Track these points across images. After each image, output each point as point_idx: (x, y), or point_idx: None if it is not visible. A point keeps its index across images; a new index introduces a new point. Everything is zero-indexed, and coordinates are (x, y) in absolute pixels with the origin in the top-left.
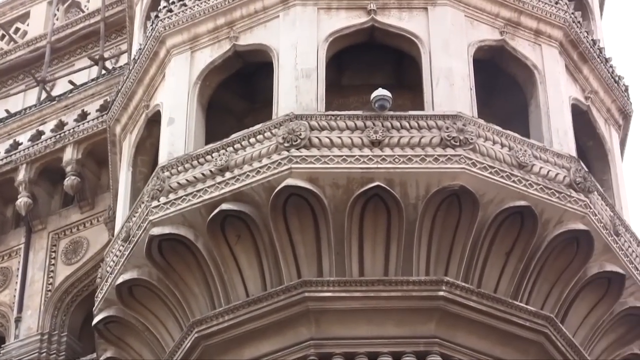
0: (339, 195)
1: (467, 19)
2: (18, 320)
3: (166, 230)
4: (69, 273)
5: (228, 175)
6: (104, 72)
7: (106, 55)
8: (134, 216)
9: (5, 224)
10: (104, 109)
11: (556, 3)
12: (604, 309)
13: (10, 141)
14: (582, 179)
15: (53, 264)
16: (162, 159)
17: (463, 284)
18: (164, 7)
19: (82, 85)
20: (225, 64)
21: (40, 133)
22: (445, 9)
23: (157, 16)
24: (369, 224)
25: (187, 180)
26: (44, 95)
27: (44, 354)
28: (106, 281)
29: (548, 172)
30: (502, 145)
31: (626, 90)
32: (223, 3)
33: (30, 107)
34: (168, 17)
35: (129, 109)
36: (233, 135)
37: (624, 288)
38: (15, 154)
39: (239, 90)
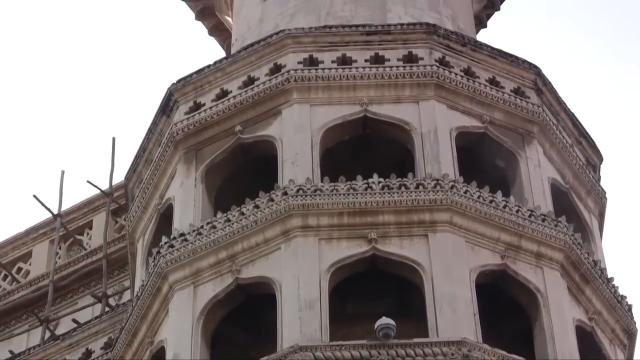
0: None
1: (468, 244)
2: None
3: None
4: None
5: None
6: (107, 309)
7: (109, 292)
8: None
9: None
10: (108, 346)
11: (556, 226)
12: None
13: None
14: None
15: None
16: None
17: None
18: (165, 242)
19: (85, 323)
20: (228, 298)
21: None
22: (445, 235)
23: (158, 252)
24: None
25: None
26: (47, 334)
27: None
28: None
29: None
30: None
31: (629, 309)
32: (224, 237)
33: (34, 347)
34: (170, 253)
35: (133, 345)
36: None
37: None
38: None
39: (242, 322)
